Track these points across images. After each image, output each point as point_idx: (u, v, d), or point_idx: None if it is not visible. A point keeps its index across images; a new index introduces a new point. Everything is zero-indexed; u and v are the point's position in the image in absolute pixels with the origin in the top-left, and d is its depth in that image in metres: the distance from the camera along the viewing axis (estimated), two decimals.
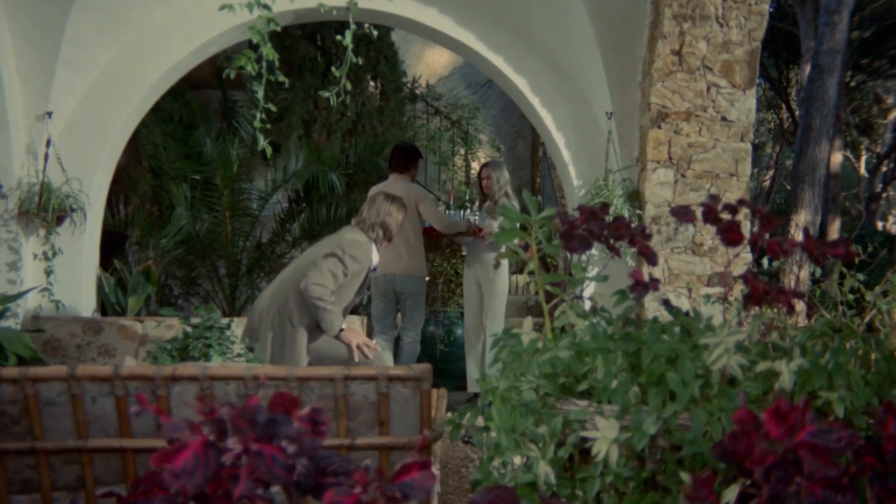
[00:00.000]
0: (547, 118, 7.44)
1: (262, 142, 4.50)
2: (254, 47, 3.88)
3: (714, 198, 2.02)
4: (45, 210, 6.61)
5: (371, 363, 5.24)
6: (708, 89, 6.63)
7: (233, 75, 3.75)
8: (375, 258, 5.54)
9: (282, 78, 4.39)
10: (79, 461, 2.53)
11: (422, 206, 7.39)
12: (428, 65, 15.66)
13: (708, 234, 6.59)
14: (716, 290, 6.43)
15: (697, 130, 6.65)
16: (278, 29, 3.96)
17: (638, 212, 6.67)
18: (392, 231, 5.53)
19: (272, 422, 1.02)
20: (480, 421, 2.07)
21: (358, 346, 5.22)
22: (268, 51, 3.77)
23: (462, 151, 14.17)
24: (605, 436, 1.70)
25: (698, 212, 2.05)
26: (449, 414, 2.60)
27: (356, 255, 5.32)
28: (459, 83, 15.75)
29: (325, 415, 1.06)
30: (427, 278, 7.87)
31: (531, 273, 2.46)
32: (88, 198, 6.94)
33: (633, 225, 2.05)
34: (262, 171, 10.77)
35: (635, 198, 6.78)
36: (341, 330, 5.24)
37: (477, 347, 7.55)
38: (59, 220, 6.77)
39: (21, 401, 2.52)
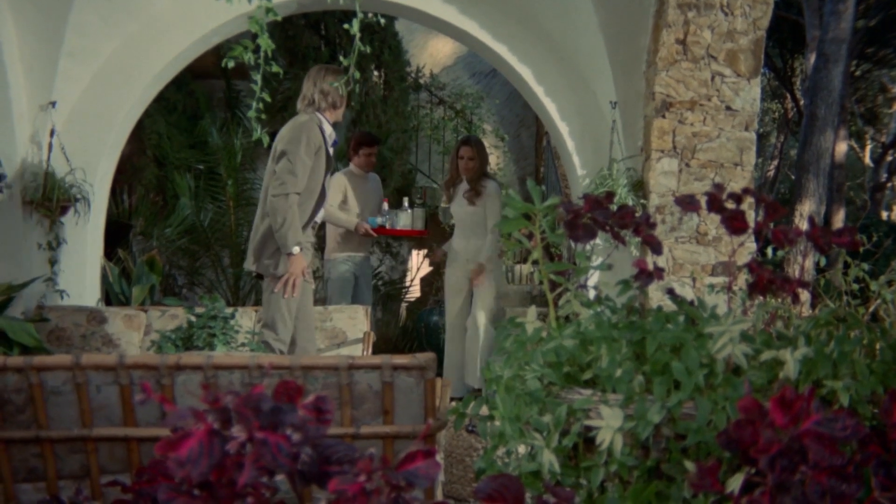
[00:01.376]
0: (551, 107, 7.43)
1: (259, 132, 4.49)
2: (256, 37, 3.88)
3: (719, 187, 2.02)
4: (50, 200, 6.62)
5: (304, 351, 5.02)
6: (712, 78, 6.62)
7: (231, 65, 3.74)
8: (330, 130, 5.30)
9: (276, 68, 4.38)
10: (83, 450, 2.53)
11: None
12: (432, 54, 15.63)
13: (712, 224, 6.58)
14: (720, 280, 6.43)
15: (702, 120, 6.63)
16: (278, 19, 3.96)
17: (642, 201, 6.66)
18: (334, 97, 5.25)
19: (276, 410, 1.03)
20: (484, 410, 2.07)
21: (285, 281, 4.98)
22: (264, 41, 3.76)
23: None
24: (609, 425, 1.70)
25: (703, 201, 2.05)
26: (453, 403, 2.60)
27: (304, 136, 5.10)
28: (463, 73, 15.73)
29: (329, 403, 1.06)
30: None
31: (535, 262, 2.48)
32: (92, 187, 6.95)
33: (637, 214, 2.05)
34: (267, 161, 10.77)
35: (639, 187, 6.77)
36: (291, 254, 4.98)
37: (461, 342, 7.43)
38: (63, 210, 6.77)
39: (26, 389, 2.53)
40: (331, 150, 5.28)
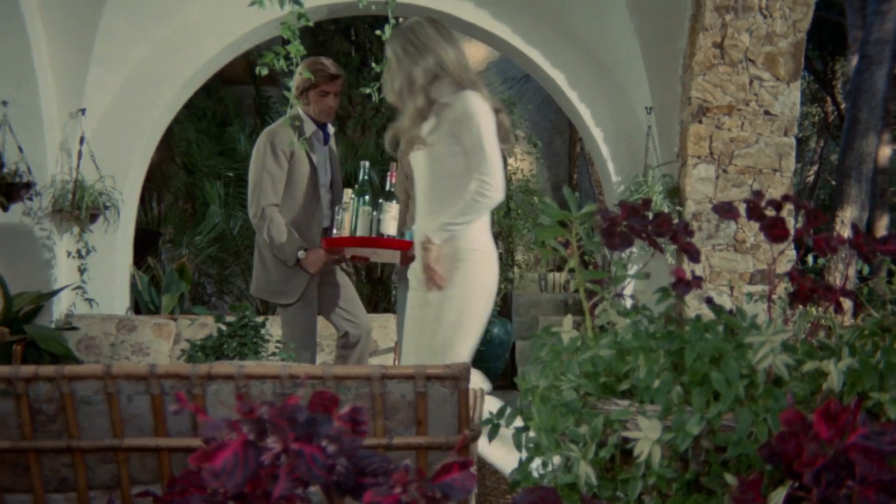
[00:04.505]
0: (585, 113, 7.41)
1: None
2: (286, 43, 3.90)
3: (758, 193, 2.01)
4: (79, 208, 6.69)
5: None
6: (750, 82, 6.58)
7: (264, 72, 3.77)
8: (311, 127, 5.10)
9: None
10: (114, 460, 2.55)
11: None
12: None
13: (750, 231, 6.55)
14: (758, 288, 6.39)
15: (739, 125, 6.60)
16: (310, 24, 3.98)
17: (678, 208, 6.64)
18: (301, 84, 4.95)
19: (312, 421, 1.03)
20: (519, 421, 2.07)
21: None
22: (294, 48, 3.78)
23: None
24: (647, 436, 1.70)
25: (742, 208, 2.04)
26: (486, 413, 2.61)
27: (263, 147, 5.00)
28: (495, 78, 15.72)
29: (365, 414, 1.07)
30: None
31: (571, 271, 2.46)
32: (122, 195, 7.02)
33: (674, 221, 2.04)
34: None
35: (675, 194, 6.75)
36: (299, 258, 4.93)
37: None
38: (93, 218, 6.84)
39: (57, 399, 2.56)
40: (314, 148, 5.13)
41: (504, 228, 12.49)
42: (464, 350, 3.73)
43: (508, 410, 2.09)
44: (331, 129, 5.28)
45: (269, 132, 5.09)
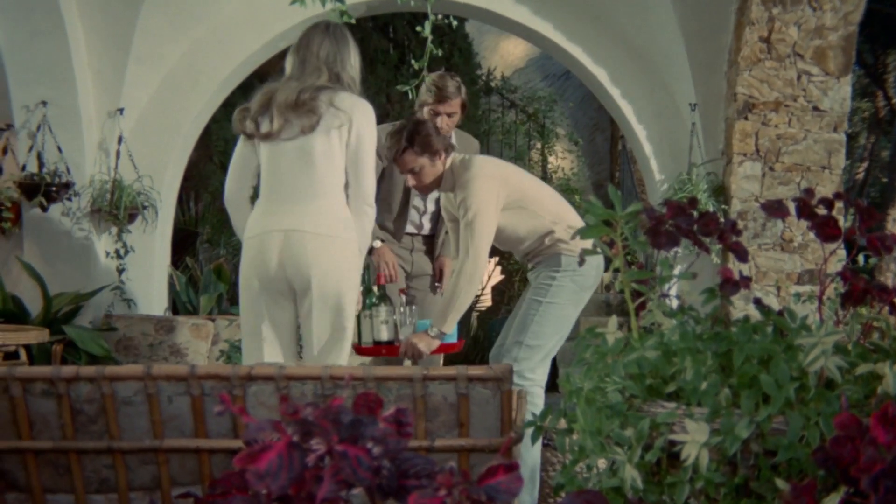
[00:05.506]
0: (627, 110, 7.37)
1: None
2: None
3: (808, 191, 1.99)
4: (117, 208, 6.76)
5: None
6: (798, 77, 6.52)
7: None
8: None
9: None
10: (155, 461, 2.58)
11: None
12: (503, 56, 15.64)
13: (798, 230, 6.48)
14: (806, 289, 6.32)
15: (787, 121, 6.54)
16: (352, 21, 4.00)
17: (723, 207, 6.59)
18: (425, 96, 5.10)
19: (357, 423, 1.04)
20: (563, 423, 2.06)
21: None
22: None
23: (538, 146, 14.11)
24: (694, 439, 1.69)
25: (791, 206, 2.02)
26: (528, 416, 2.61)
27: None
28: (536, 75, 15.71)
29: (409, 415, 1.07)
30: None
31: (616, 270, 2.46)
32: (160, 195, 7.08)
33: (720, 220, 2.03)
34: None
35: (720, 192, 6.70)
36: (373, 247, 4.95)
37: None
38: (131, 218, 6.91)
39: (98, 400, 2.59)
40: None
41: None
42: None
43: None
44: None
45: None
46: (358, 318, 4.44)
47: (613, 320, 2.06)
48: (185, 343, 6.43)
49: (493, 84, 13.73)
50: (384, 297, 4.52)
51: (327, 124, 3.80)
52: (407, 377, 2.34)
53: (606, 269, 2.10)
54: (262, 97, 3.93)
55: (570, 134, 14.32)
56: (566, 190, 13.32)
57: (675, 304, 5.81)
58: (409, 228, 5.14)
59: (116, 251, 6.96)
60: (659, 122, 7.31)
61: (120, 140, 6.91)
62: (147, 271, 7.20)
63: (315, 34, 4.00)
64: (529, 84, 15.09)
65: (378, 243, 4.95)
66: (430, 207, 5.15)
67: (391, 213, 5.07)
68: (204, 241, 10.15)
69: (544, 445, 4.41)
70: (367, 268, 4.56)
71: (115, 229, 6.97)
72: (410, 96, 4.21)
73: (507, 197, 4.31)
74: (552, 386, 4.46)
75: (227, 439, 2.53)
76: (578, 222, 4.40)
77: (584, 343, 2.08)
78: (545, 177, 13.72)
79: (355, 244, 3.89)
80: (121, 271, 6.96)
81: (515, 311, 4.57)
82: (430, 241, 5.22)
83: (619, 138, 13.62)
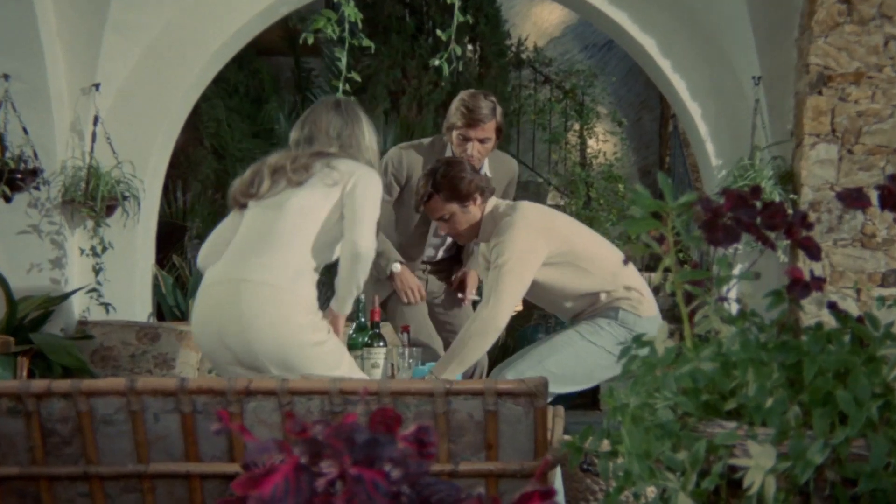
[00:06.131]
0: (680, 85, 7.35)
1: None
2: (333, 6, 3.94)
3: (894, 178, 1.99)
4: (93, 198, 6.77)
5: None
6: (885, 44, 6.46)
7: (311, 40, 3.81)
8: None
9: (366, 42, 4.43)
10: (139, 488, 2.61)
11: None
12: (536, 24, 15.62)
13: (882, 224, 6.44)
14: (892, 292, 6.29)
15: (870, 96, 6.50)
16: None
17: (792, 196, 6.57)
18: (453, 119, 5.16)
19: (373, 442, 1.05)
20: (606, 444, 2.07)
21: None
22: (350, 10, 3.82)
23: (576, 126, 14.10)
24: (759, 464, 1.69)
25: (873, 196, 2.02)
26: (566, 436, 2.60)
27: (385, 161, 5.20)
28: (573, 45, 15.68)
29: (432, 434, 1.08)
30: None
31: (666, 270, 2.44)
32: (143, 184, 7.08)
33: (788, 212, 2.03)
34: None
35: (788, 179, 6.68)
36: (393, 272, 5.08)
37: None
38: (110, 210, 6.92)
39: (73, 418, 2.61)
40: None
41: (584, 221, 12.47)
42: None
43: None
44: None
45: (394, 150, 5.35)
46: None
47: (664, 327, 2.07)
48: (172, 353, 6.46)
49: (524, 56, 13.72)
50: (378, 337, 4.53)
51: (318, 181, 3.89)
52: (427, 391, 2.36)
53: (654, 269, 2.11)
54: (255, 166, 4.08)
55: (612, 113, 14.28)
56: (608, 178, 13.31)
57: (734, 308, 5.76)
58: (424, 257, 5.32)
59: (92, 248, 6.98)
60: (717, 99, 7.28)
61: (96, 120, 6.93)
62: (128, 271, 7.22)
63: (321, 110, 4.11)
64: (566, 56, 15.07)
65: (397, 266, 5.06)
66: (448, 240, 5.27)
67: (404, 245, 5.22)
68: (193, 236, 10.20)
69: (584, 471, 4.41)
70: (358, 302, 4.58)
71: (90, 223, 6.99)
72: (444, 72, 4.21)
73: (551, 251, 4.36)
74: (593, 403, 4.49)
75: (221, 463, 2.56)
76: (642, 285, 4.43)
77: (629, 353, 2.09)
78: (584, 163, 13.70)
79: (308, 300, 3.91)
80: (97, 271, 6.97)
81: (543, 340, 4.62)
82: (446, 264, 5.38)
83: (670, 118, 13.58)
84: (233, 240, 4.00)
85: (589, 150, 13.99)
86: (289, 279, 3.82)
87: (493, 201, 4.51)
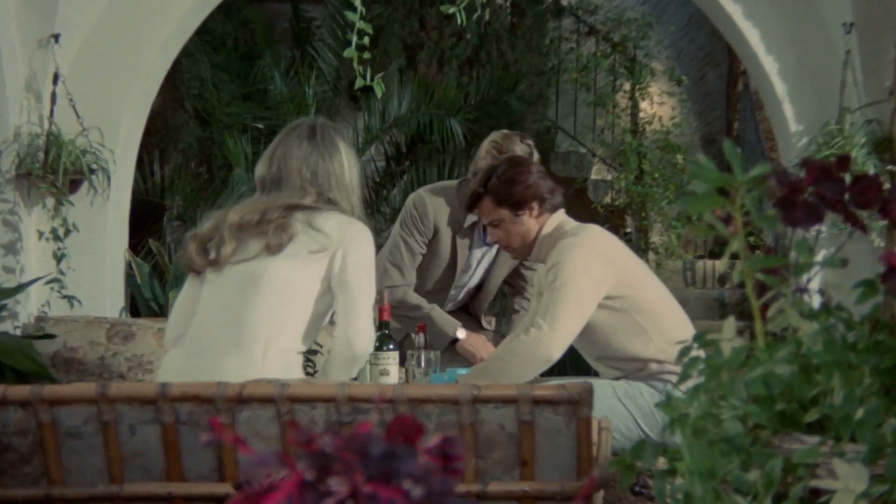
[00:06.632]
0: (752, 35, 7.32)
1: (366, 77, 4.56)
2: None
3: None
4: (54, 172, 6.77)
5: None
6: None
7: None
8: (474, 218, 5.21)
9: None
10: None
11: None
12: None
13: None
14: None
15: None
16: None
17: (889, 167, 6.55)
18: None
19: (390, 455, 1.06)
20: (662, 462, 2.08)
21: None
22: None
23: (626, 87, 14.05)
24: (847, 487, 1.70)
25: None
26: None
27: (413, 205, 5.39)
28: None
29: (459, 446, 1.09)
30: None
31: (734, 256, 2.42)
32: (113, 154, 7.09)
33: (885, 186, 2.03)
34: (350, 117, 10.87)
35: (885, 148, 6.66)
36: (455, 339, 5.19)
37: None
38: (73, 186, 6.93)
39: (33, 431, 2.63)
40: (472, 243, 5.51)
41: (635, 199, 12.44)
42: None
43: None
44: None
45: (418, 194, 5.51)
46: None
47: (731, 323, 2.07)
48: (149, 355, 6.46)
49: (564, 2, 13.67)
50: (388, 338, 4.57)
51: (299, 247, 3.75)
52: (451, 399, 2.37)
53: (719, 256, 2.11)
54: (215, 219, 3.93)
55: (670, 70, 14.22)
56: (664, 147, 13.25)
57: (816, 301, 5.74)
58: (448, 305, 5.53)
59: (53, 231, 6.99)
60: (798, 52, 7.26)
61: (56, 79, 6.93)
62: (96, 258, 7.24)
63: (293, 141, 4.00)
64: (615, 2, 15.02)
65: (461, 333, 5.20)
66: (474, 281, 5.57)
67: (430, 293, 5.41)
68: (173, 216, 10.22)
69: (635, 493, 4.43)
70: None
71: (51, 201, 7.00)
72: (460, 21, 4.21)
73: (612, 287, 4.35)
74: None
75: (210, 483, 2.57)
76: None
77: (689, 354, 2.10)
78: (635, 129, 13.65)
79: None
80: (59, 258, 6.99)
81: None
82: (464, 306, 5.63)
83: (740, 75, 13.53)
84: (194, 320, 3.86)
85: (641, 115, 13.93)
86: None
87: (557, 217, 4.49)
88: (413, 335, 4.81)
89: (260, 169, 4.04)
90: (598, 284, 4.27)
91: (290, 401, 2.41)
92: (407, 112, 10.12)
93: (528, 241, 4.43)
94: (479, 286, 5.66)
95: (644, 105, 14.01)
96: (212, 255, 3.80)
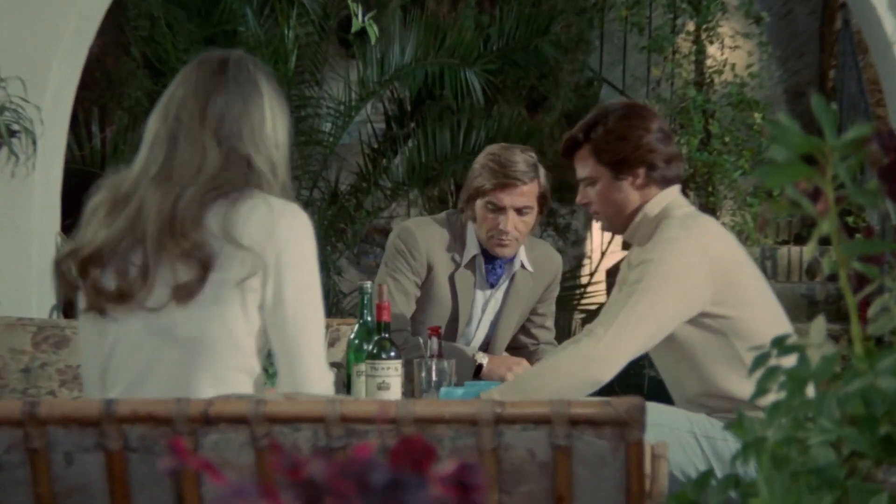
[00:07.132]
0: None
1: (360, 17, 4.58)
2: None
3: None
4: None
5: None
6: None
7: None
8: (473, 252, 5.43)
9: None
10: None
11: None
12: None
13: None
14: None
15: None
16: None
17: None
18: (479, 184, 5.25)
19: (395, 484, 1.07)
20: (734, 495, 2.09)
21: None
22: None
23: (690, 27, 14.00)
24: None
25: None
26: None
27: (402, 239, 5.48)
28: None
29: (480, 474, 1.11)
30: None
31: (825, 241, 2.39)
32: (40, 112, 7.10)
33: None
34: (341, 67, 10.85)
35: None
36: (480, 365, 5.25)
37: None
38: None
39: None
40: (475, 283, 5.61)
41: (700, 169, 12.39)
42: None
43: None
44: (516, 266, 5.55)
45: (403, 226, 5.62)
46: (348, 377, 4.53)
47: (820, 324, 2.09)
48: None
49: None
50: (388, 344, 4.54)
51: (221, 280, 3.37)
52: (469, 418, 2.38)
53: (805, 240, 2.13)
54: (104, 215, 3.65)
55: (746, 5, 14.18)
56: (738, 103, 13.18)
57: None
58: None
59: None
60: None
61: None
62: (19, 244, 7.27)
63: (194, 82, 3.60)
64: None
65: (484, 358, 5.26)
66: (479, 336, 5.64)
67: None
68: None
69: None
70: (362, 295, 4.66)
71: None
72: None
73: (713, 296, 4.28)
74: None
75: None
76: None
77: (766, 364, 2.11)
78: (701, 81, 13.60)
79: None
80: None
81: None
82: None
83: (838, 10, 13.51)
84: (108, 370, 3.43)
85: (709, 63, 13.88)
86: None
87: (669, 196, 4.41)
88: (424, 340, 4.81)
89: (152, 123, 3.60)
90: (692, 298, 4.22)
91: (268, 421, 2.41)
92: (412, 61, 10.05)
93: (624, 214, 4.36)
94: (486, 342, 5.68)
95: (712, 50, 13.93)
96: (110, 286, 3.41)
